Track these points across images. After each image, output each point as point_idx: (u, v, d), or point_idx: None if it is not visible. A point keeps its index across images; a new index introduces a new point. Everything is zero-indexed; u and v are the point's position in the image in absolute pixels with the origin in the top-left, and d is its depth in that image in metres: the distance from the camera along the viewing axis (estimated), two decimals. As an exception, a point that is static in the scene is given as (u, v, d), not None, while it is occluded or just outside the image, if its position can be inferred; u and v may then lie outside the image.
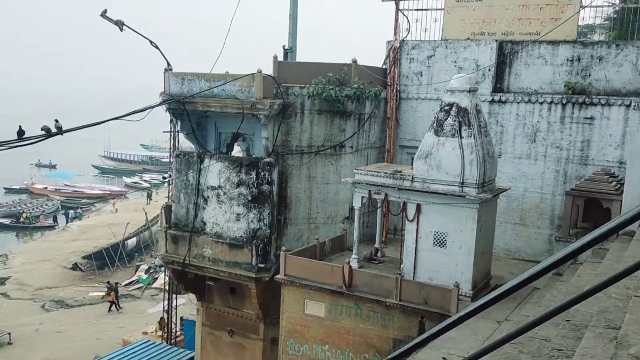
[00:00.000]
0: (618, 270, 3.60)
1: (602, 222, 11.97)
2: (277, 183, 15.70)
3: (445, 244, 12.66)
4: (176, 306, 22.73)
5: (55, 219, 53.69)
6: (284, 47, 18.53)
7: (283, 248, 14.51)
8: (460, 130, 12.41)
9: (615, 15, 19.44)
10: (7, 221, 51.71)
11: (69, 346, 25.87)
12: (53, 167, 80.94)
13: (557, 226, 15.28)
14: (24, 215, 52.55)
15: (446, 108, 12.69)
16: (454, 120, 12.48)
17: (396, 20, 17.29)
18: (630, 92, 14.58)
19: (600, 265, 9.51)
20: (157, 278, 34.07)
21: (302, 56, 19.19)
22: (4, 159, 64.80)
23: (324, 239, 15.34)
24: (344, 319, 13.36)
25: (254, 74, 14.97)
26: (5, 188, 66.18)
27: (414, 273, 13.05)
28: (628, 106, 14.21)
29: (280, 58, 17.48)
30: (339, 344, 13.49)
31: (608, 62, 14.99)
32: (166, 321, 23.00)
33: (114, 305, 30.61)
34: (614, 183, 13.41)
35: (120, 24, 16.29)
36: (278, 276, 14.21)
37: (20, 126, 10.24)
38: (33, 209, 55.45)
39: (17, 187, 66.36)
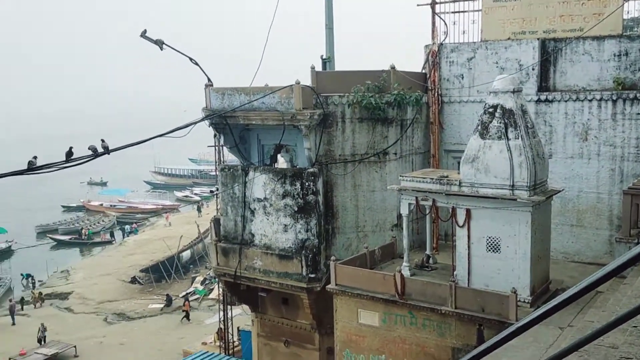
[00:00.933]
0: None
1: (665, 220, 11.30)
2: (323, 193, 15.67)
3: (499, 249, 12.32)
4: (232, 317, 23.00)
5: (112, 235, 55.27)
6: (321, 57, 18.51)
7: (332, 257, 14.46)
8: (506, 132, 12.07)
9: (661, 6, 18.58)
10: (67, 238, 53.58)
11: (132, 358, 26.50)
12: (104, 184, 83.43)
13: (616, 226, 14.65)
14: (83, 231, 54.35)
15: (490, 110, 12.37)
16: (499, 122, 12.15)
17: (433, 24, 17.00)
18: (686, 85, 13.86)
19: (664, 266, 9.05)
20: (212, 289, 34.61)
21: (340, 65, 19.14)
22: (59, 178, 67.61)
23: (374, 247, 15.21)
24: (399, 328, 13.20)
25: (292, 85, 14.99)
26: (62, 206, 68.56)
27: (468, 280, 12.76)
28: (684, 98, 13.50)
29: (319, 68, 17.45)
30: (396, 354, 13.32)
31: (659, 55, 14.28)
32: (223, 332, 23.32)
33: (187, 315, 31.17)
34: (674, 179, 12.78)
35: (160, 43, 16.61)
36: (329, 286, 14.17)
37: (70, 147, 10.22)
38: (91, 226, 57.26)
39: (74, 204, 68.67)
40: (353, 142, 15.86)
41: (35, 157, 9.65)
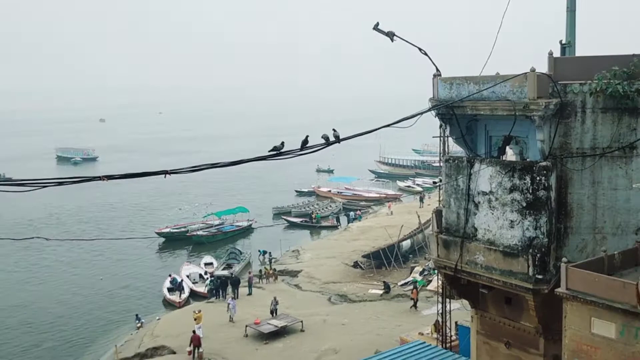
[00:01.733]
0: None
1: None
2: (556, 189, 14.58)
3: None
4: (450, 310, 22.74)
5: (338, 220, 58.48)
6: (560, 42, 17.12)
7: (564, 259, 13.39)
8: None
9: None
10: (298, 220, 58.06)
11: (352, 338, 27.71)
12: (330, 172, 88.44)
13: None
14: (313, 215, 58.38)
15: None
16: None
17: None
18: None
19: None
20: (431, 280, 34.60)
21: (582, 50, 17.49)
22: (295, 165, 73.50)
23: (613, 252, 13.71)
24: (640, 344, 11.76)
25: (526, 73, 14.14)
26: (296, 191, 74.49)
27: None
28: None
29: (557, 54, 16.19)
30: (635, 372, 11.91)
31: None
32: (441, 325, 23.17)
33: (415, 303, 31.54)
34: None
35: (391, 35, 16.94)
36: (559, 289, 13.16)
37: (307, 136, 10.90)
38: (320, 210, 61.25)
39: (306, 190, 74.16)
40: (594, 134, 14.43)
41: (282, 143, 10.52)
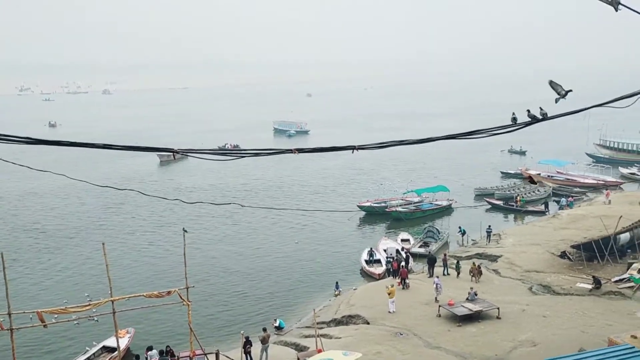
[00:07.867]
0: None
1: None
2: None
3: None
4: (673, 316, 20.01)
5: (546, 205, 54.66)
6: None
7: None
8: None
9: None
10: (501, 203, 55.53)
11: (554, 332, 25.92)
12: (522, 153, 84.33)
13: None
14: (517, 198, 55.27)
15: None
16: None
17: None
18: None
19: None
20: (652, 280, 30.73)
21: None
22: (493, 146, 70.20)
23: None
24: None
25: None
26: (501, 172, 71.33)
27: None
28: None
29: None
30: None
31: None
32: (659, 331, 20.49)
33: None
34: None
35: (615, 4, 15.08)
36: None
37: (513, 113, 11.11)
38: (526, 194, 57.86)
39: (512, 171, 70.56)
40: None
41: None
